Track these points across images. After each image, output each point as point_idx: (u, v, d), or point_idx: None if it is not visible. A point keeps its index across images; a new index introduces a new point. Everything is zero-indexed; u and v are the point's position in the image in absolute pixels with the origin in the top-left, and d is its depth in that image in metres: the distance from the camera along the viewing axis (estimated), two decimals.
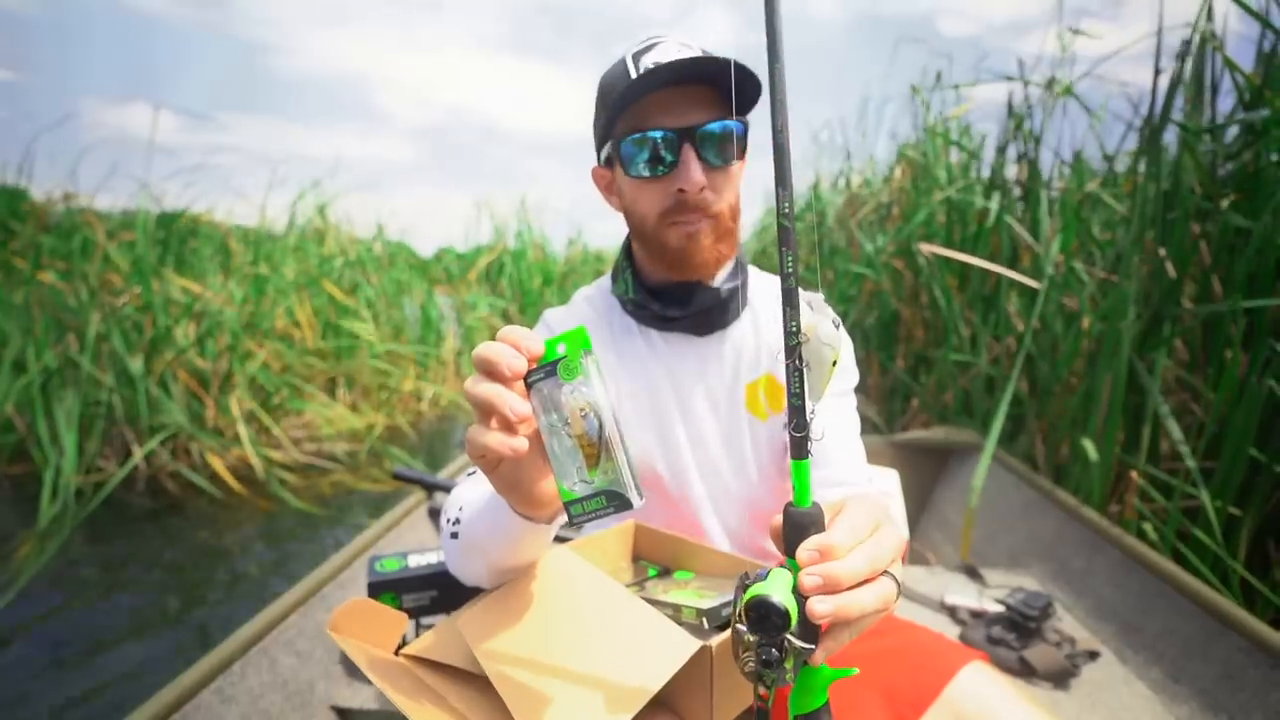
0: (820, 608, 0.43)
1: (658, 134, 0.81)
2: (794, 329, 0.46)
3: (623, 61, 0.84)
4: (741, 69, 0.79)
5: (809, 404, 0.46)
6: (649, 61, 0.81)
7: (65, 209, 4.89)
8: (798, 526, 0.47)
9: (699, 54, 0.81)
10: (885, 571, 0.48)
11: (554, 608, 0.68)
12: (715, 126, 0.81)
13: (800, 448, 0.46)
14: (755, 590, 0.45)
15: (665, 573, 0.86)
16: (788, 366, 0.46)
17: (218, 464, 3.40)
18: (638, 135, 0.82)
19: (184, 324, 3.82)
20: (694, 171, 0.81)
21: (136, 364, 3.53)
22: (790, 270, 0.47)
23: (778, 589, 0.45)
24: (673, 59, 0.80)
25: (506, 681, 0.59)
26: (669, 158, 0.82)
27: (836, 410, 0.94)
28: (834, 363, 0.48)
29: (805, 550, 0.46)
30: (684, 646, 0.58)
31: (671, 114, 0.81)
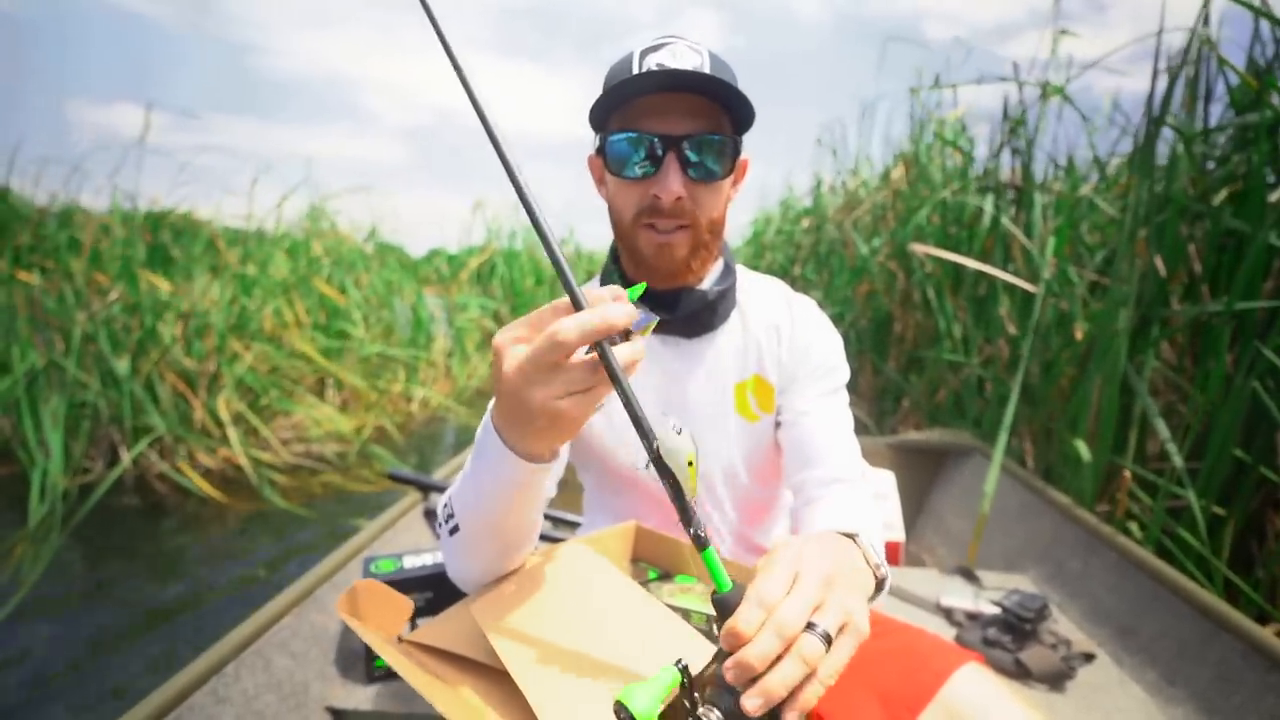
0: (749, 704, 0.45)
1: (644, 137, 0.80)
2: (655, 450, 0.50)
3: (630, 56, 0.83)
4: (735, 90, 0.78)
5: (690, 502, 0.50)
6: (653, 62, 0.80)
7: (54, 209, 4.86)
8: (724, 609, 0.50)
9: (705, 61, 0.81)
10: (809, 625, 0.48)
11: (568, 599, 0.67)
12: (703, 139, 0.80)
13: (700, 542, 0.50)
14: (620, 696, 0.47)
15: (665, 576, 0.86)
16: (664, 482, 0.50)
17: (192, 474, 3.36)
18: (625, 135, 0.81)
19: (171, 324, 3.80)
20: (672, 180, 0.80)
21: (123, 365, 3.50)
22: (629, 399, 0.50)
23: (643, 696, 0.47)
24: (675, 64, 0.79)
25: (521, 669, 0.58)
26: (652, 162, 0.81)
27: (828, 408, 0.95)
28: (690, 462, 0.50)
29: (722, 639, 0.48)
30: (702, 649, 0.58)
31: (663, 119, 0.80)
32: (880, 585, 0.70)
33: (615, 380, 0.50)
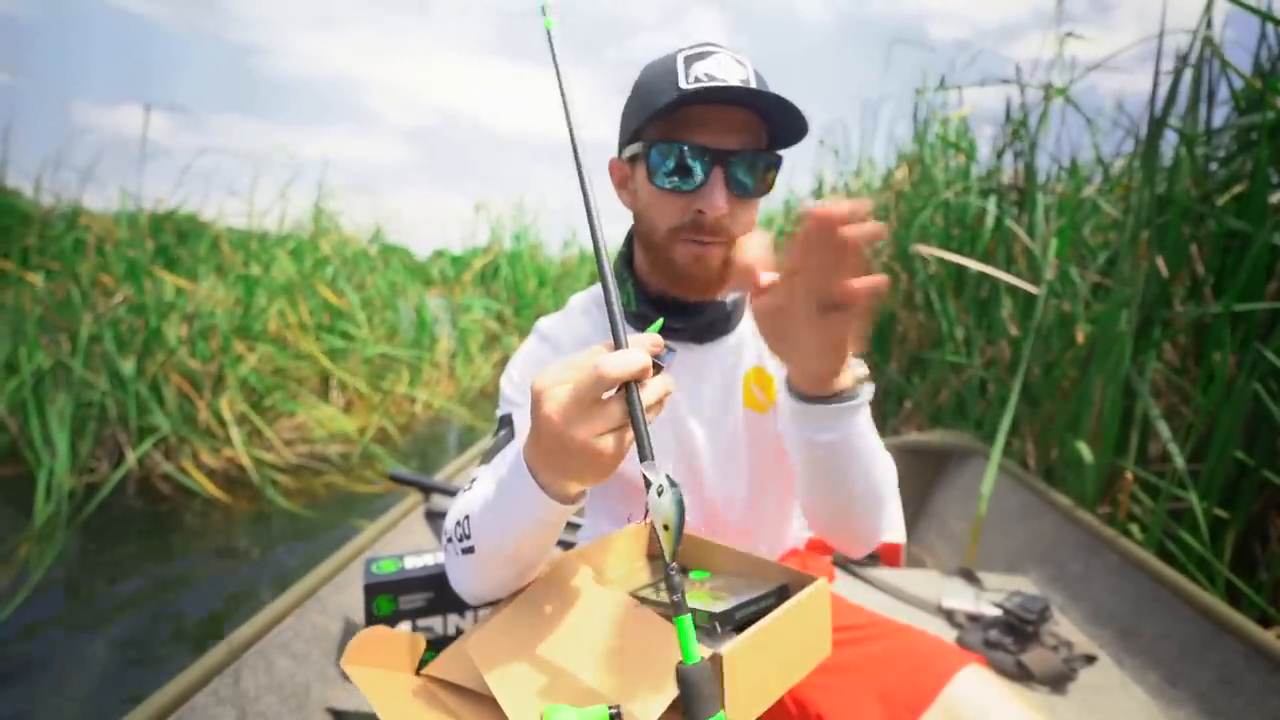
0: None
1: (693, 149, 0.78)
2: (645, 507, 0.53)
3: (672, 60, 0.81)
4: (792, 105, 0.77)
5: (669, 566, 0.52)
6: (701, 71, 0.78)
7: (60, 210, 4.87)
8: (690, 685, 0.51)
9: (750, 74, 0.79)
10: None
11: (561, 625, 0.68)
12: (752, 158, 0.79)
13: (678, 608, 0.51)
14: (546, 712, 0.52)
15: (682, 572, 0.86)
16: (666, 565, 0.52)
17: (198, 475, 3.37)
18: (671, 145, 0.79)
19: (176, 325, 3.82)
20: (718, 196, 0.79)
21: (129, 366, 3.52)
22: (643, 443, 0.53)
23: (567, 717, 0.51)
24: (727, 80, 0.77)
25: (514, 706, 0.59)
26: (697, 175, 0.79)
27: None
28: (666, 526, 0.52)
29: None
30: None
31: (711, 132, 0.79)
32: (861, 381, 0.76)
33: (635, 419, 0.53)
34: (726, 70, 0.78)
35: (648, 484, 0.52)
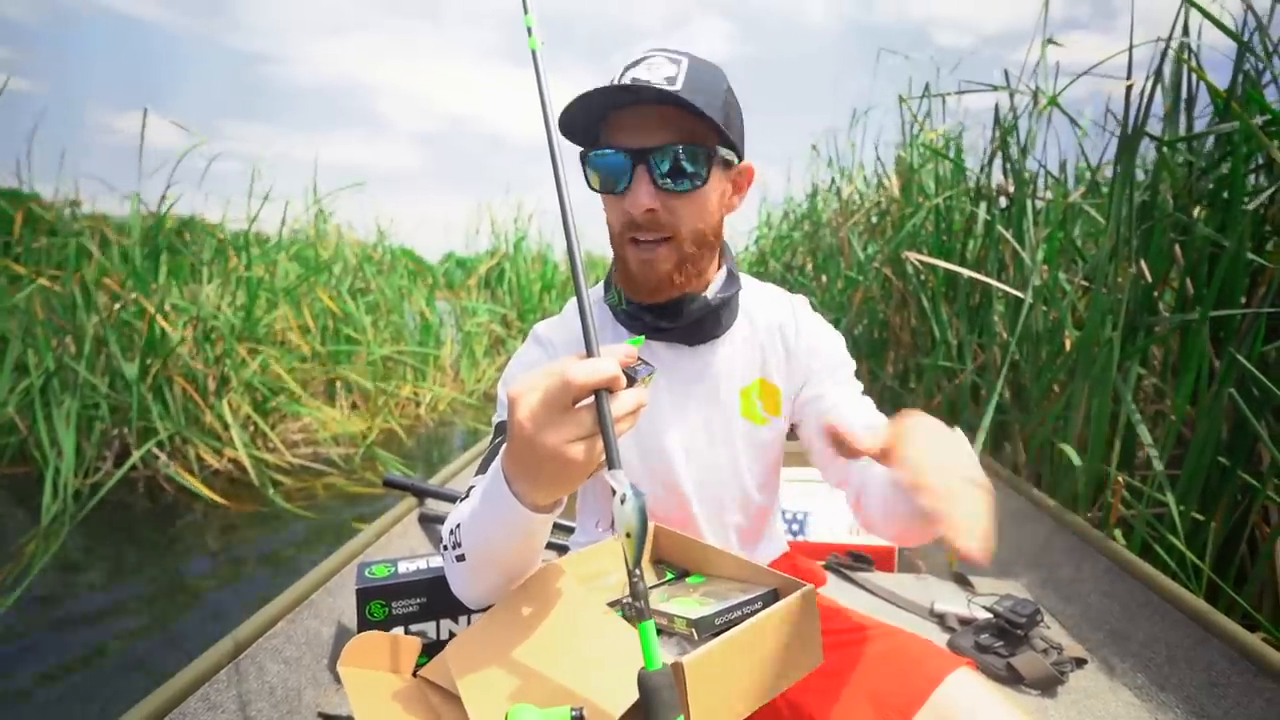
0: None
1: (616, 153, 0.81)
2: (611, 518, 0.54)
3: (615, 74, 0.83)
4: (707, 94, 0.78)
5: (632, 572, 0.53)
6: (630, 78, 0.79)
7: (69, 212, 4.87)
8: (650, 690, 0.51)
9: (681, 72, 0.79)
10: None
11: (536, 630, 0.69)
12: (669, 151, 0.80)
13: (639, 613, 0.52)
14: (510, 713, 0.53)
15: (683, 575, 0.86)
16: (630, 572, 0.53)
17: (193, 479, 3.39)
18: (598, 151, 0.82)
19: (180, 329, 3.83)
20: (641, 194, 0.81)
21: (132, 368, 3.55)
22: (610, 452, 0.54)
23: (530, 717, 0.52)
24: (649, 77, 0.78)
25: (480, 709, 0.60)
26: (624, 177, 0.82)
27: (854, 394, 0.98)
28: (629, 534, 0.53)
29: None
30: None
31: (634, 133, 0.81)
32: None
33: (603, 427, 0.53)
34: (655, 72, 0.79)
35: (613, 492, 0.53)
